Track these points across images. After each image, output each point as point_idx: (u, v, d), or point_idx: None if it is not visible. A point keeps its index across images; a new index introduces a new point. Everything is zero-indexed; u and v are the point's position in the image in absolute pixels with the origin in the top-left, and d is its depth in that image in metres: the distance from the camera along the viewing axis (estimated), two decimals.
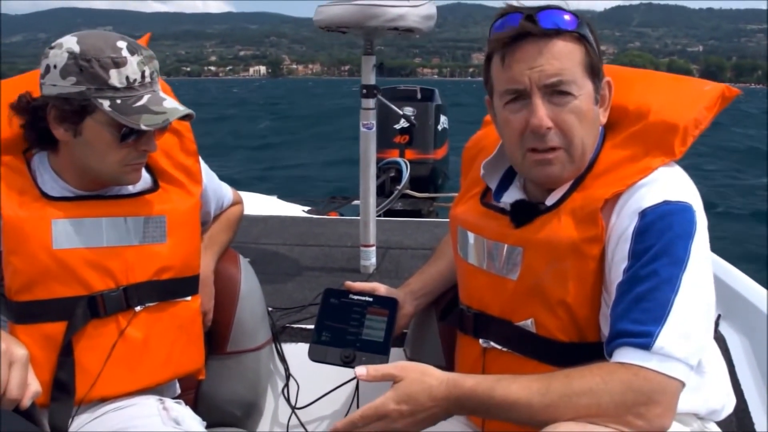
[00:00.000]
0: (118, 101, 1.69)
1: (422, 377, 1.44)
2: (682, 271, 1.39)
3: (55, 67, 1.69)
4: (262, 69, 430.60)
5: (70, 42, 1.70)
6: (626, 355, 1.37)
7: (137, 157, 1.79)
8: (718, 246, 1.87)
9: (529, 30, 1.51)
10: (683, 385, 1.37)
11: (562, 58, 1.51)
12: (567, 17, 1.53)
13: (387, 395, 1.42)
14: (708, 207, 1.50)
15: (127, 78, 1.69)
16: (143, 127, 1.69)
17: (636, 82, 1.72)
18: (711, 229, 1.50)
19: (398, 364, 1.48)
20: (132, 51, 1.71)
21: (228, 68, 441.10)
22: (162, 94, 1.78)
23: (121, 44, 1.71)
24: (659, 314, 1.37)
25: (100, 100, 1.68)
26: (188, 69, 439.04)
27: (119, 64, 1.69)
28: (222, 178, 2.23)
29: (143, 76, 1.72)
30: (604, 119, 1.62)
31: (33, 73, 1.84)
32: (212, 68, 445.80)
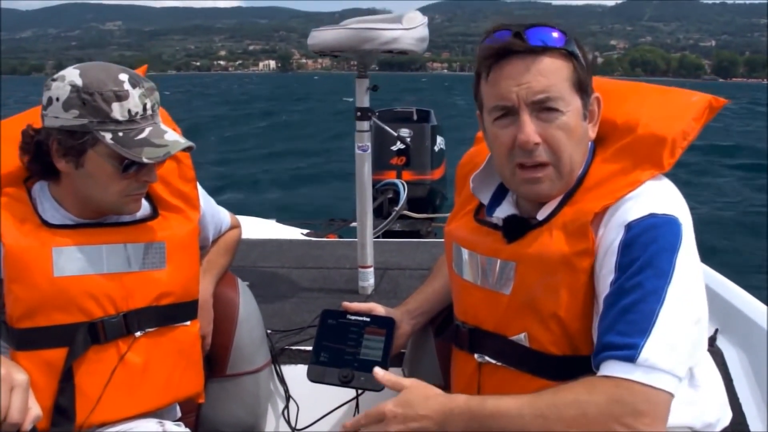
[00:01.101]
0: (120, 134, 1.71)
1: (425, 389, 1.54)
2: (667, 284, 1.42)
3: (57, 99, 1.71)
4: (272, 63, 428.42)
5: (72, 75, 1.72)
6: (611, 368, 1.40)
7: (138, 188, 1.81)
8: None
9: (516, 47, 1.54)
10: (671, 395, 1.39)
11: (549, 74, 1.54)
12: (555, 34, 1.56)
13: (388, 400, 1.50)
14: None
15: (129, 111, 1.71)
16: (145, 160, 1.71)
17: (624, 95, 1.74)
18: None
19: (410, 379, 1.59)
20: (134, 84, 1.73)
21: (238, 63, 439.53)
22: (163, 126, 1.81)
23: (123, 77, 1.73)
24: (644, 326, 1.39)
25: (102, 133, 1.70)
26: (198, 63, 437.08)
27: (121, 97, 1.71)
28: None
29: (145, 109, 1.74)
30: (593, 134, 1.65)
31: (32, 111, 1.88)
32: (222, 62, 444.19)
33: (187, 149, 1.82)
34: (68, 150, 1.73)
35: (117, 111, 1.70)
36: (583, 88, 1.58)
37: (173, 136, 1.79)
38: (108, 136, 1.70)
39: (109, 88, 1.70)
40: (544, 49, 1.54)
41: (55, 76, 1.75)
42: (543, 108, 1.54)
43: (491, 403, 1.45)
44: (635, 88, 1.79)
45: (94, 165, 1.74)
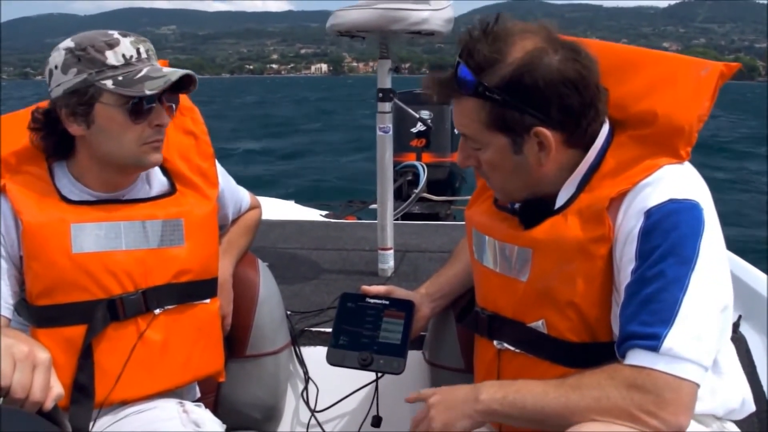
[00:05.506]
0: (120, 78, 1.72)
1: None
2: (691, 271, 1.39)
3: (56, 67, 1.74)
4: (324, 67, 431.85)
5: (65, 43, 1.77)
6: (635, 357, 1.38)
7: (153, 134, 1.80)
8: None
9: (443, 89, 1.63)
10: (697, 385, 1.36)
11: (463, 116, 1.60)
12: (469, 76, 1.53)
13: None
14: None
15: (123, 55, 1.73)
16: (147, 92, 1.71)
17: (627, 68, 1.65)
18: None
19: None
20: (124, 35, 1.77)
21: (290, 66, 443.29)
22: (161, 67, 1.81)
23: (112, 31, 1.76)
24: (667, 315, 1.37)
25: (103, 81, 1.71)
26: (251, 67, 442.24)
27: (113, 45, 1.73)
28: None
29: (139, 53, 1.76)
30: (547, 162, 1.57)
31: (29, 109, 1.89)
32: (274, 66, 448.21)
33: (190, 84, 1.83)
34: (76, 109, 1.75)
35: (112, 57, 1.72)
36: (508, 126, 1.54)
37: (171, 70, 1.79)
38: (109, 82, 1.72)
39: (100, 40, 1.74)
40: (460, 92, 1.57)
41: (52, 51, 1.78)
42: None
43: (520, 381, 1.52)
44: (638, 61, 1.68)
45: (103, 117, 1.75)
